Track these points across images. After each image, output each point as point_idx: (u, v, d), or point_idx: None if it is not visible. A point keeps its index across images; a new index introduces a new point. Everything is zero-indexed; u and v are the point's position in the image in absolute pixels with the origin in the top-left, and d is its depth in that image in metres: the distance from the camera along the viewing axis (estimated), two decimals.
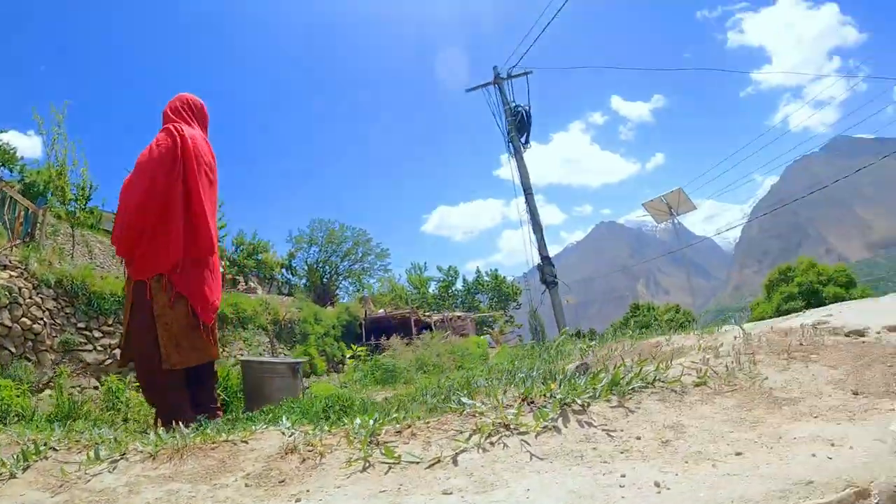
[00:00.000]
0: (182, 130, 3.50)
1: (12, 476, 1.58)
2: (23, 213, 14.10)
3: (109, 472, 1.55)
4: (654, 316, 50.40)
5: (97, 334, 10.05)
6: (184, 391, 3.50)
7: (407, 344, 17.89)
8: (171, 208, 3.31)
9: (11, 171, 31.39)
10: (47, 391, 8.46)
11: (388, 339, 20.35)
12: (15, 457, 1.66)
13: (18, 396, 5.63)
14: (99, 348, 9.95)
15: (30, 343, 8.81)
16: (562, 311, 15.77)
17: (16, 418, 4.12)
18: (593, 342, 4.26)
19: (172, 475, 1.51)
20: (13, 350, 8.42)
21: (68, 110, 15.78)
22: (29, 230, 13.95)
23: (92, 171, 17.39)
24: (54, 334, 9.29)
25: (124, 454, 1.66)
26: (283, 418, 2.35)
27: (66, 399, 4.35)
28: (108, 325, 10.28)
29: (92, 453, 1.65)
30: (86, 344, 9.77)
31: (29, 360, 8.65)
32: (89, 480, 1.50)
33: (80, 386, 9.04)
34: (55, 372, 8.87)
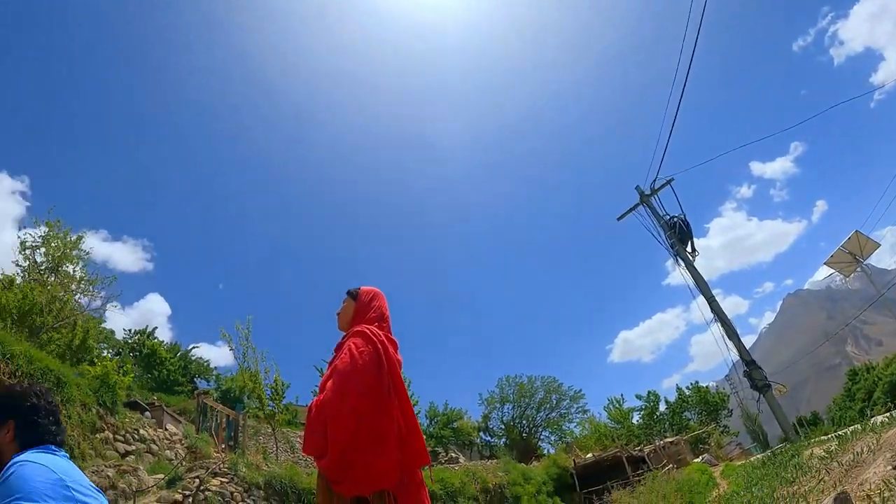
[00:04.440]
0: (381, 336, 3.42)
1: None
2: (224, 420, 16.78)
3: None
4: (875, 376, 48.27)
5: None
6: None
7: (624, 487, 18.15)
8: (386, 421, 3.21)
9: (208, 381, 35.29)
10: None
11: (601, 483, 21.10)
12: None
13: None
14: None
15: None
16: (784, 415, 15.46)
17: None
18: (831, 445, 3.95)
19: None
20: None
21: (252, 325, 19.84)
22: (232, 434, 16.49)
23: (280, 369, 20.71)
24: None
25: None
26: None
27: None
28: None
29: None
30: None
31: None
32: None
33: None
34: None
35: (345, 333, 3.62)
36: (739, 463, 19.31)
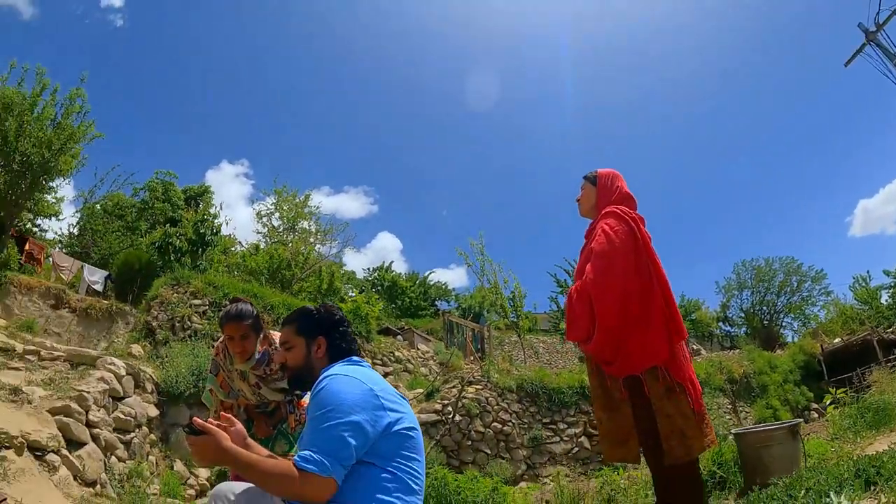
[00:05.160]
0: (632, 214, 3.40)
1: None
2: (470, 333, 18.28)
3: None
4: None
5: (562, 426, 11.82)
6: (697, 482, 3.38)
7: (884, 369, 17.16)
8: (649, 298, 3.21)
9: (448, 302, 39.50)
10: (522, 483, 11.07)
11: (850, 370, 19.90)
12: None
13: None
14: (565, 438, 11.67)
15: (502, 443, 11.03)
16: None
17: None
18: None
19: None
20: (488, 451, 10.72)
21: (484, 239, 20.89)
22: (478, 346, 17.95)
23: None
24: (523, 432, 11.34)
25: None
26: (832, 493, 2.32)
27: (567, 495, 4.99)
28: (571, 417, 11.98)
29: None
30: (552, 437, 11.59)
31: (503, 457, 10.80)
32: None
33: (550, 475, 11.28)
34: (527, 465, 11.16)
35: (591, 220, 3.60)
36: None
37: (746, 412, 17.53)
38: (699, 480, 3.48)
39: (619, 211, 3.37)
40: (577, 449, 11.68)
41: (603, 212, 3.43)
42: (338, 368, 2.13)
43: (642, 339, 3.17)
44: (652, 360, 3.16)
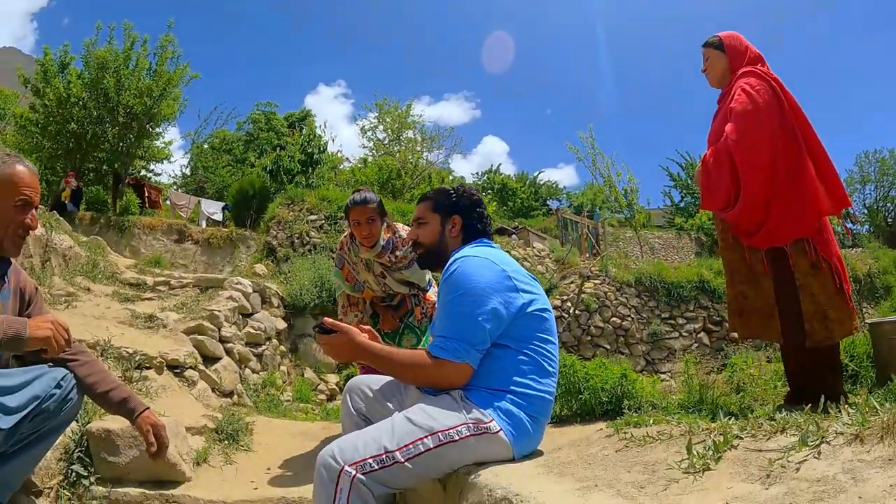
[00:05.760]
0: (772, 74, 3.14)
1: (707, 468, 1.60)
2: (585, 230, 18.21)
3: (815, 458, 1.47)
4: None
5: (681, 321, 11.59)
6: (837, 370, 3.17)
7: None
8: (798, 161, 2.95)
9: (559, 201, 39.85)
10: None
11: None
12: (706, 447, 1.71)
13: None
14: (684, 334, 11.44)
15: (621, 338, 10.93)
16: None
17: (650, 407, 4.62)
18: None
19: (893, 458, 1.33)
20: (607, 346, 10.72)
21: (594, 132, 20.32)
22: (593, 243, 17.90)
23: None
24: (642, 327, 11.18)
25: (824, 438, 1.56)
26: None
27: (696, 386, 4.91)
28: (690, 312, 11.71)
29: (797, 440, 1.57)
30: (671, 332, 11.36)
31: (622, 352, 10.71)
32: (798, 469, 1.44)
33: (670, 371, 10.67)
34: (646, 361, 11.03)
35: (722, 89, 3.32)
36: None
37: (869, 314, 16.65)
38: (839, 368, 3.24)
39: (758, 70, 3.09)
40: (696, 345, 11.41)
41: (739, 72, 3.15)
42: (468, 250, 2.09)
43: (789, 207, 2.94)
44: (798, 232, 2.94)
